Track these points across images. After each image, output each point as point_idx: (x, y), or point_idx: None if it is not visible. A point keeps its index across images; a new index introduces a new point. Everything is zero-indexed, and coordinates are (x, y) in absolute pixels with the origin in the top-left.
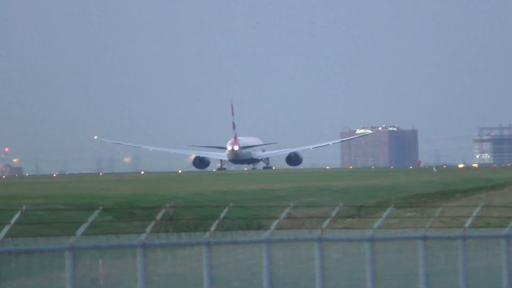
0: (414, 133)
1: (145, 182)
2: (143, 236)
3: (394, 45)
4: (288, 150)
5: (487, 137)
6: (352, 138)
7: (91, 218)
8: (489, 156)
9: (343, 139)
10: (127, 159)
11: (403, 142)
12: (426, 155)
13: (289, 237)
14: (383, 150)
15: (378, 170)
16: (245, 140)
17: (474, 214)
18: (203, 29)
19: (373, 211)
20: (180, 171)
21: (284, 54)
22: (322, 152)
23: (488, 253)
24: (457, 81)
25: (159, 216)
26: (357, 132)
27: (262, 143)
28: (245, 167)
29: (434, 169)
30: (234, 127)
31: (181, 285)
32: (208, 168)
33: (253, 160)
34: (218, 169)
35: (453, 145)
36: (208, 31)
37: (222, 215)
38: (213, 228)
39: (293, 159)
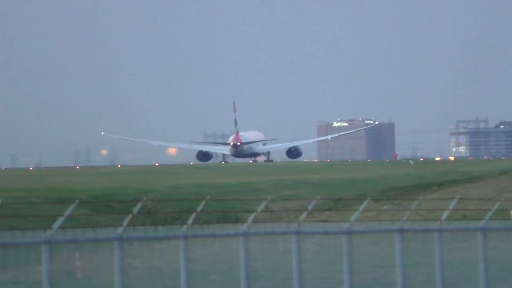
0: (391, 126)
1: (122, 175)
2: (120, 230)
3: (370, 39)
4: (288, 144)
5: (464, 130)
6: (351, 132)
7: (67, 212)
8: (465, 149)
9: (341, 133)
10: (104, 152)
11: (380, 135)
12: (403, 148)
13: (266, 230)
14: (360, 143)
15: (355, 163)
16: (247, 135)
17: (451, 206)
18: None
19: (350, 204)
20: (157, 164)
21: (268, 50)
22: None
23: (464, 246)
24: (433, 75)
25: (136, 209)
26: (334, 125)
27: (263, 137)
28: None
29: (411, 162)
30: (236, 123)
31: (158, 278)
32: (211, 161)
33: (254, 154)
34: (221, 162)
35: (430, 138)
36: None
37: (199, 208)
38: (190, 221)
39: (293, 152)
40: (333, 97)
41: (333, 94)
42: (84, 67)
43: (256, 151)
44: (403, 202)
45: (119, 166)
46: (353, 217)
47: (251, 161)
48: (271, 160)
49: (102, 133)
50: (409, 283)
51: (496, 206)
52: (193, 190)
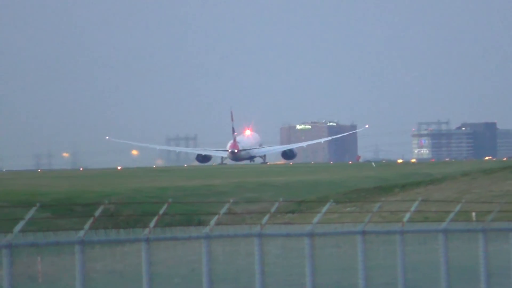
0: (353, 128)
1: (84, 178)
2: (81, 233)
3: (332, 41)
4: (282, 147)
5: (426, 132)
6: (346, 135)
7: (28, 215)
8: (427, 151)
9: (333, 136)
10: (65, 154)
11: (342, 137)
12: (365, 150)
13: (228, 232)
14: (323, 145)
15: (317, 165)
16: (244, 141)
17: (413, 209)
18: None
19: (313, 206)
20: (119, 168)
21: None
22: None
23: (426, 248)
24: (395, 77)
25: (97, 212)
26: (297, 127)
27: (259, 138)
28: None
29: (373, 164)
30: (233, 131)
31: (120, 282)
32: (210, 163)
33: (251, 157)
34: (220, 163)
35: (392, 140)
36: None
37: (161, 211)
38: (152, 224)
39: (288, 154)
40: (295, 100)
41: (297, 96)
42: (43, 71)
43: (253, 154)
44: (365, 204)
45: (81, 169)
46: (316, 219)
47: (249, 161)
48: (266, 162)
49: (107, 137)
50: (371, 286)
51: (458, 208)
52: (155, 193)
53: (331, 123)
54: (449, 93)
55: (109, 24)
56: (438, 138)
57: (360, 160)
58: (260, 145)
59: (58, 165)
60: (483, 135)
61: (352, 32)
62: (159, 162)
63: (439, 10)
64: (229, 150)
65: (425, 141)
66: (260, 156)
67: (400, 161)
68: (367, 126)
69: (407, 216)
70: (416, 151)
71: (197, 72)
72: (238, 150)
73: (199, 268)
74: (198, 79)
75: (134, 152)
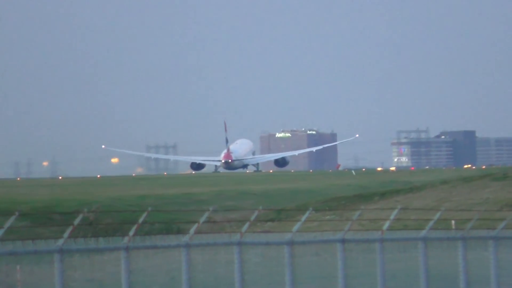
0: (333, 136)
1: (64, 187)
2: (60, 242)
3: (312, 50)
4: (274, 156)
5: (405, 140)
6: (339, 143)
7: (7, 224)
8: (407, 159)
9: (324, 145)
10: (45, 163)
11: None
12: (345, 159)
13: (208, 241)
14: (303, 153)
15: (297, 174)
16: (238, 150)
17: (392, 217)
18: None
19: (292, 214)
20: (99, 176)
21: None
22: None
23: (406, 256)
24: (375, 85)
25: (77, 221)
26: (276, 135)
27: (252, 145)
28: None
29: (353, 172)
30: (227, 141)
31: None
32: (204, 170)
33: (244, 166)
34: (214, 171)
35: (372, 148)
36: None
37: (140, 220)
38: (131, 232)
39: (281, 162)
40: (275, 108)
41: (277, 105)
42: (21, 79)
43: (246, 163)
44: (345, 213)
45: (60, 177)
46: (295, 227)
47: (247, 171)
48: (260, 170)
49: (103, 146)
50: None
51: (437, 216)
52: (134, 202)
53: (310, 131)
54: (428, 102)
55: (90, 29)
56: (418, 146)
57: (340, 169)
58: (253, 152)
59: (37, 174)
60: (462, 143)
61: (330, 41)
62: (139, 171)
63: (416, 19)
64: (223, 161)
65: (405, 149)
66: (253, 165)
67: (379, 169)
68: (357, 135)
69: (387, 224)
70: (395, 159)
71: (177, 80)
72: (232, 160)
73: (179, 277)
74: (177, 87)
75: (114, 160)
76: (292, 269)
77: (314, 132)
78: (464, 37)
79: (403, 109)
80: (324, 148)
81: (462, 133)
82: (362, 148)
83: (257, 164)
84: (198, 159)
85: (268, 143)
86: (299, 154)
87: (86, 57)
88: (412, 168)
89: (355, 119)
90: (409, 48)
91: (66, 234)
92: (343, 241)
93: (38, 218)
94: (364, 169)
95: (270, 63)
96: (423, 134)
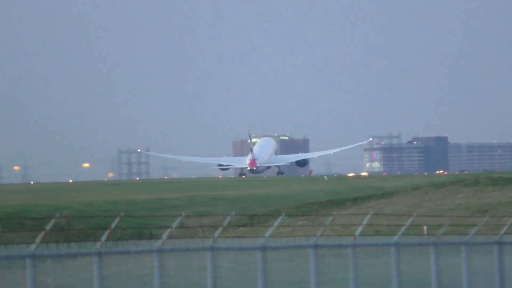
0: (305, 142)
1: (35, 192)
2: (32, 247)
3: (284, 54)
4: (295, 157)
5: (377, 146)
6: (358, 145)
7: None
8: (379, 165)
9: (342, 148)
10: (16, 168)
11: (295, 151)
12: (318, 164)
13: (181, 246)
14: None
15: (270, 179)
16: (262, 156)
17: (364, 222)
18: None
19: (265, 220)
20: (70, 181)
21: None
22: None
23: (378, 261)
24: (347, 90)
25: (48, 226)
26: (249, 141)
27: (274, 143)
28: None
29: (326, 177)
30: (251, 150)
31: None
32: (229, 172)
33: (268, 167)
34: (239, 174)
35: (344, 154)
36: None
37: (113, 225)
38: (104, 238)
39: (301, 162)
40: (247, 113)
41: (250, 109)
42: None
43: (269, 165)
44: (317, 218)
45: (32, 183)
46: (268, 233)
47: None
48: (283, 172)
49: (139, 150)
50: None
51: (409, 221)
52: (107, 207)
53: (283, 137)
54: (400, 108)
55: (74, 32)
56: (390, 152)
57: (312, 174)
58: (275, 151)
59: (8, 179)
60: (434, 149)
61: (301, 45)
62: (111, 176)
63: (389, 26)
64: (248, 168)
65: (377, 155)
66: (277, 166)
67: (350, 174)
68: (371, 139)
69: (359, 229)
70: (368, 165)
71: (149, 85)
72: (256, 167)
73: (151, 282)
74: (149, 92)
75: (86, 165)
76: (264, 275)
77: (286, 138)
78: (436, 43)
79: (375, 115)
80: (296, 153)
81: (434, 139)
82: (334, 153)
83: (280, 166)
84: (225, 161)
85: (241, 148)
86: (318, 156)
87: (68, 57)
88: (384, 173)
89: (328, 125)
90: (381, 54)
91: (38, 239)
92: (315, 246)
93: (10, 224)
94: (336, 175)
95: (241, 66)
96: (395, 139)
